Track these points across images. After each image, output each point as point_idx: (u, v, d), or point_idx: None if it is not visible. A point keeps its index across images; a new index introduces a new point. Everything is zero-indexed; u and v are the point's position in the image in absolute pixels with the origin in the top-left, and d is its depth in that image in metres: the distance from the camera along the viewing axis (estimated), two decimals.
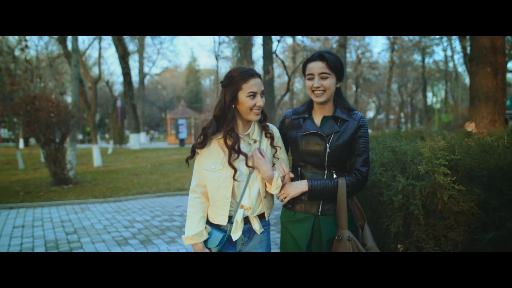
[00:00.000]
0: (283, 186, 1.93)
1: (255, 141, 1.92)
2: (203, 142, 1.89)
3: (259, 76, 1.85)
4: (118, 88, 47.58)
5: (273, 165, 1.96)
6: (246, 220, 1.89)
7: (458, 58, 33.11)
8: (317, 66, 1.88)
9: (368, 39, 38.13)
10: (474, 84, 7.10)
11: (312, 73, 1.90)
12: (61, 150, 9.52)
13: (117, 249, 4.66)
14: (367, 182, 1.99)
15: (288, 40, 28.87)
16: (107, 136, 39.45)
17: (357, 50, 38.36)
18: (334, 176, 1.93)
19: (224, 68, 45.01)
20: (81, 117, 12.43)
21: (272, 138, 1.94)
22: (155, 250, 4.63)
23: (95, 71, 39.48)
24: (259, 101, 1.82)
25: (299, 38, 29.28)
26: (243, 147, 1.88)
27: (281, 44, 28.73)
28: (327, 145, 1.89)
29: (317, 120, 2.00)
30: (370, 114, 57.90)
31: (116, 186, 9.65)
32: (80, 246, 4.84)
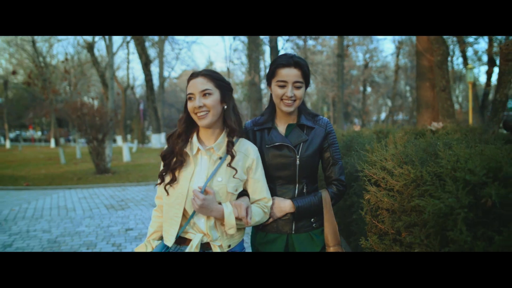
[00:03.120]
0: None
1: (220, 158, 1.65)
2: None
3: (203, 74, 1.63)
4: (138, 91, 50.60)
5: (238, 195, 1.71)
6: (208, 246, 1.63)
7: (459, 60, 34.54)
8: (292, 74, 1.71)
9: (375, 43, 40.02)
10: (418, 95, 9.27)
11: (286, 81, 1.71)
12: (102, 146, 12.06)
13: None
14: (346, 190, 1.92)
15: (299, 43, 30.91)
16: (129, 136, 42.43)
17: (365, 54, 40.24)
18: (305, 189, 1.83)
19: (241, 71, 47.44)
20: (117, 121, 14.94)
21: (232, 157, 1.64)
22: None
23: (117, 75, 42.49)
24: (196, 102, 1.59)
25: (310, 42, 31.46)
26: (205, 162, 1.65)
27: (291, 47, 30.84)
28: (297, 156, 1.77)
29: (282, 129, 1.85)
30: (383, 115, 59.46)
31: (145, 174, 12.12)
32: (129, 207, 7.27)
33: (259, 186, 1.72)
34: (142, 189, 9.65)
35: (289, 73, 1.72)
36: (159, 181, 1.69)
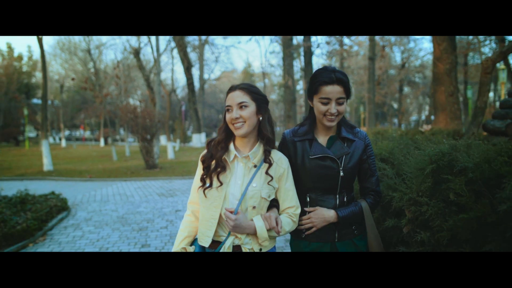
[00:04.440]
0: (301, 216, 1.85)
1: (254, 166, 1.75)
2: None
3: (240, 88, 1.74)
4: (179, 91, 53.04)
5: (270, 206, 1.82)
6: (239, 249, 1.71)
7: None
8: (335, 91, 1.73)
9: (412, 43, 39.83)
10: (434, 99, 10.11)
11: (329, 98, 1.74)
12: (151, 144, 13.70)
13: None
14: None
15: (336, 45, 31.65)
16: (171, 136, 44.83)
17: (403, 54, 40.21)
18: (345, 199, 1.87)
19: (279, 73, 48.75)
20: (163, 122, 16.62)
21: (270, 164, 1.74)
22: None
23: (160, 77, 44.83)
24: (233, 114, 1.70)
25: (347, 42, 32.11)
26: (241, 168, 1.75)
27: (325, 53, 31.68)
28: (340, 168, 1.80)
29: (323, 141, 1.88)
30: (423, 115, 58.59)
31: (188, 170, 13.63)
32: (176, 195, 8.72)
33: (289, 195, 1.80)
34: (186, 182, 11.14)
35: (332, 91, 1.73)
36: (201, 184, 1.78)
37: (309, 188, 1.86)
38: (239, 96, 1.71)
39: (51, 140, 46.06)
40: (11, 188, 8.86)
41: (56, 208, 6.57)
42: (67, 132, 56.18)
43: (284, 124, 21.68)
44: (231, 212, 1.65)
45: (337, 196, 1.85)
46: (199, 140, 30.37)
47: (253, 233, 1.68)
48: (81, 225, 6.13)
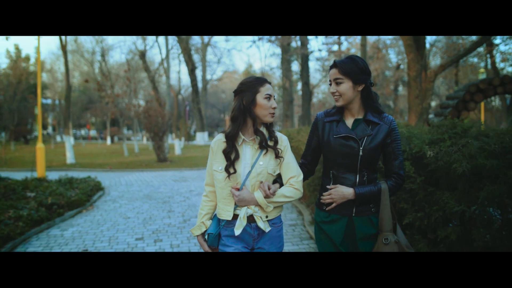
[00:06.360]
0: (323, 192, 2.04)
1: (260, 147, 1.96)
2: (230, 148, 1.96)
3: (270, 83, 1.97)
4: (182, 92, 54.61)
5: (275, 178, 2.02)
6: (253, 218, 1.94)
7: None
8: (332, 73, 1.94)
9: None
10: (408, 100, 11.70)
11: (330, 79, 1.97)
12: (162, 140, 15.39)
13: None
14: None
15: (334, 47, 33.23)
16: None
17: (398, 55, 41.77)
18: (365, 178, 1.97)
19: (279, 74, 50.20)
20: (173, 121, 18.28)
21: (276, 142, 1.97)
22: None
23: (164, 78, 46.44)
24: (274, 103, 1.92)
25: (345, 45, 33.72)
26: (249, 150, 1.95)
27: (320, 55, 33.28)
28: (360, 148, 1.91)
29: (349, 123, 2.01)
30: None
31: (195, 163, 15.32)
32: (188, 181, 10.40)
33: (290, 167, 2.00)
34: (195, 172, 12.84)
35: (331, 73, 1.96)
36: (227, 175, 1.94)
37: (332, 165, 2.01)
38: (273, 90, 1.99)
39: (58, 138, 47.70)
40: (46, 177, 10.56)
41: (96, 187, 8.26)
42: (73, 131, 57.94)
43: (283, 123, 23.33)
44: (237, 189, 1.92)
45: (357, 174, 1.96)
46: (202, 138, 32.00)
47: (257, 204, 1.91)
48: (117, 199, 7.81)
